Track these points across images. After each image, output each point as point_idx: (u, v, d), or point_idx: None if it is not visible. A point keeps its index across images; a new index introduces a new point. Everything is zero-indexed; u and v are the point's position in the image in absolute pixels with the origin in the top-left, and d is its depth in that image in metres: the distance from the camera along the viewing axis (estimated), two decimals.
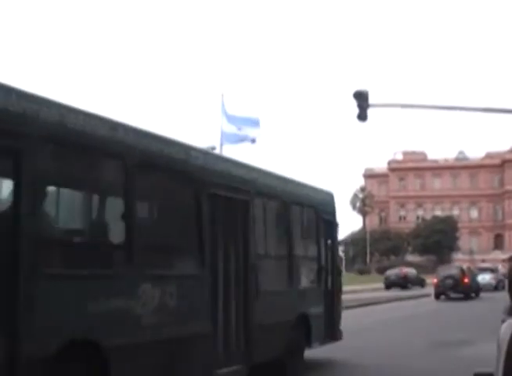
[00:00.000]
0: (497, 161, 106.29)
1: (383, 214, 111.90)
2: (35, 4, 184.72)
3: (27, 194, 5.20)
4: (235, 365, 8.21)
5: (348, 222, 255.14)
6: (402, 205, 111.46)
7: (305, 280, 10.91)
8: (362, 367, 11.57)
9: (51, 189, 6.12)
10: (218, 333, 7.95)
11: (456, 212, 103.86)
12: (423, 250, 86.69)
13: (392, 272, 49.16)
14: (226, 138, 47.73)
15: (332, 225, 12.32)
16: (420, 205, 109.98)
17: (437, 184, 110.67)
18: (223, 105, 39.64)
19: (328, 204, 12.34)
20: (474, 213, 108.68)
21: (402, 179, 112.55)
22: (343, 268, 72.06)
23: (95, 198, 6.96)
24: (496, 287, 40.31)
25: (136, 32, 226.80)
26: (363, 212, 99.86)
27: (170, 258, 7.63)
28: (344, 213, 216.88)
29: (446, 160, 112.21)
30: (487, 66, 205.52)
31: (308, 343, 10.60)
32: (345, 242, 77.73)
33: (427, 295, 36.58)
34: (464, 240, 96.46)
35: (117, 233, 6.58)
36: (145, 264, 6.55)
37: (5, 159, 5.27)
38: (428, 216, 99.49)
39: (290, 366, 9.77)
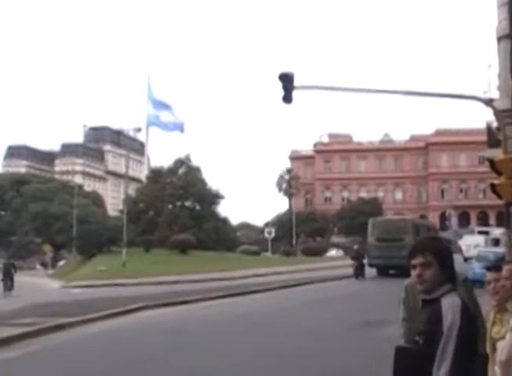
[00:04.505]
0: (421, 144, 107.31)
1: (308, 196, 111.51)
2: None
3: None
4: None
5: (275, 204, 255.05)
6: (328, 187, 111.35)
7: None
8: None
9: None
10: None
11: (380, 194, 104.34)
12: (348, 231, 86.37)
13: None
14: (151, 121, 46.18)
15: None
16: (345, 187, 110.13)
17: (362, 166, 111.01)
18: (149, 87, 38.17)
19: None
20: (399, 195, 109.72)
21: (327, 161, 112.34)
22: (269, 250, 70.29)
23: None
24: None
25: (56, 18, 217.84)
26: (289, 194, 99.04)
27: None
28: (271, 195, 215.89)
29: (371, 143, 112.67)
30: (412, 50, 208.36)
31: None
32: (271, 224, 76.42)
33: None
34: None
35: None
36: None
37: None
38: (353, 198, 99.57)
39: None
